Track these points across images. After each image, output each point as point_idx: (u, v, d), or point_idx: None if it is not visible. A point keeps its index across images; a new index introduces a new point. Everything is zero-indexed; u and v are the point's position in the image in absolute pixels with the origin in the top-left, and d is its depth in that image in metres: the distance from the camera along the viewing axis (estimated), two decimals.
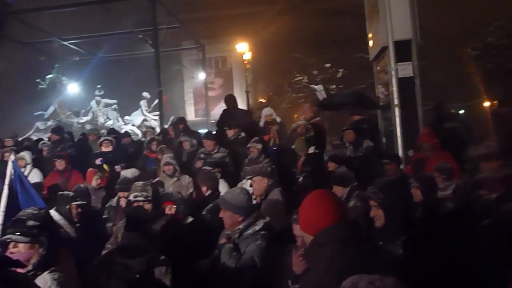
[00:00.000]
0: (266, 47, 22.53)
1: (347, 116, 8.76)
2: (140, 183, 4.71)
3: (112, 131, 11.88)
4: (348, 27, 18.85)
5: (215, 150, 7.18)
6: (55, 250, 2.87)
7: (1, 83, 18.87)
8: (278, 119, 9.69)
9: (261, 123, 9.05)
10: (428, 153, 6.35)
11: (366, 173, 5.40)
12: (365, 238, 2.25)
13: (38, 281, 2.58)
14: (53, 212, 4.36)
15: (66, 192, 4.89)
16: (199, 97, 27.28)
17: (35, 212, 2.90)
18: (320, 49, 21.19)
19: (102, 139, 8.21)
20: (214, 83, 27.95)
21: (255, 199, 4.58)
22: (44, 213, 2.99)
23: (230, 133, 7.74)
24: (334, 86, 19.65)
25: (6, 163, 8.09)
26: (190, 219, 4.78)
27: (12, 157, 4.36)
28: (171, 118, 19.39)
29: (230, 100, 9.04)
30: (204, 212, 4.47)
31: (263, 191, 4.62)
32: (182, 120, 10.58)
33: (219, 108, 24.15)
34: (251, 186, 4.74)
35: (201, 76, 23.51)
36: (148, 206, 4.10)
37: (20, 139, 11.32)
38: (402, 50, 8.32)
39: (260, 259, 3.36)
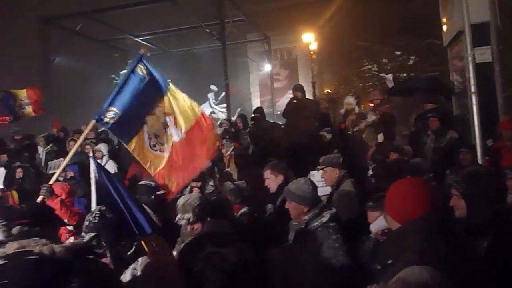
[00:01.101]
0: (332, 36, 22.11)
1: (420, 103, 8.41)
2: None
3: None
4: (419, 12, 18.05)
5: None
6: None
7: (80, 79, 20.04)
8: (357, 109, 9.44)
9: (342, 111, 8.87)
10: (509, 142, 5.96)
11: (445, 165, 5.17)
12: (452, 230, 2.16)
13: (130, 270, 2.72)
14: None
15: (148, 182, 5.02)
16: (264, 89, 27.37)
17: None
18: (389, 36, 20.42)
19: None
20: (280, 75, 27.92)
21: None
22: None
23: (302, 122, 7.71)
24: (405, 74, 18.89)
25: (86, 154, 8.70)
26: (244, 210, 4.83)
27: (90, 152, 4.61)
28: (238, 110, 19.65)
29: (298, 89, 9.00)
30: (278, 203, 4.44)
31: (335, 182, 4.58)
32: (258, 109, 10.63)
33: (285, 99, 24.12)
34: (322, 176, 4.71)
35: (267, 67, 23.59)
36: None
37: (99, 130, 12.00)
38: (480, 34, 7.82)
39: (339, 253, 3.33)
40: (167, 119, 4.66)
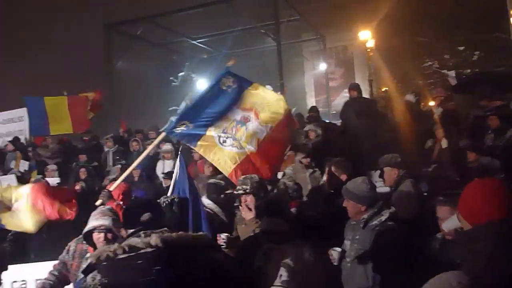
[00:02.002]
0: (390, 32, 21.54)
1: (484, 101, 8.01)
2: (242, 177, 4.77)
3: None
4: (483, 5, 17.25)
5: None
6: None
7: (141, 81, 20.83)
8: (416, 108, 9.11)
9: (403, 109, 8.63)
10: None
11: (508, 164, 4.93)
12: None
13: None
14: (205, 199, 4.69)
15: (217, 181, 5.12)
16: (319, 88, 27.13)
17: None
18: (451, 30, 19.62)
19: None
20: (335, 73, 27.55)
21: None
22: None
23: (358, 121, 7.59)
24: (469, 71, 18.08)
25: (149, 154, 9.00)
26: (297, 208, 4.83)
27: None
28: (293, 110, 19.60)
29: (354, 88, 8.86)
30: None
31: (393, 182, 4.50)
32: (313, 108, 10.61)
33: (340, 99, 23.81)
34: (381, 176, 4.64)
35: (322, 66, 23.39)
36: (249, 198, 4.17)
37: (159, 131, 12.43)
38: None
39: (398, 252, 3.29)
40: (246, 114, 4.66)
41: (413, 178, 4.50)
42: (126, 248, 2.23)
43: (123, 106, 17.98)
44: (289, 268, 3.09)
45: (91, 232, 3.59)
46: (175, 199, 3.51)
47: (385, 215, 3.50)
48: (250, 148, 4.43)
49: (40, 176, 6.50)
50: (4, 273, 2.96)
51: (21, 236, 4.89)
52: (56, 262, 3.80)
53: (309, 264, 3.28)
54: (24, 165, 9.93)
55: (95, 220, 3.59)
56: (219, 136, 4.45)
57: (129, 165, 8.50)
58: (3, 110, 13.12)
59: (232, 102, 4.60)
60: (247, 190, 3.96)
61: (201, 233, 2.40)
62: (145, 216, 2.41)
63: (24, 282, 3.68)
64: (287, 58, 19.78)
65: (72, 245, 3.80)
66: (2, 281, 3.37)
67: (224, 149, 4.39)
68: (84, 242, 3.69)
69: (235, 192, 4.22)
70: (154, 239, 2.23)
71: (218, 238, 4.03)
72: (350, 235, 3.67)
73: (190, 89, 22.94)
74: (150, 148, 5.14)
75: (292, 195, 5.09)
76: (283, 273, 3.07)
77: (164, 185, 7.02)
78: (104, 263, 2.22)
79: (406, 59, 21.92)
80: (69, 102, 10.24)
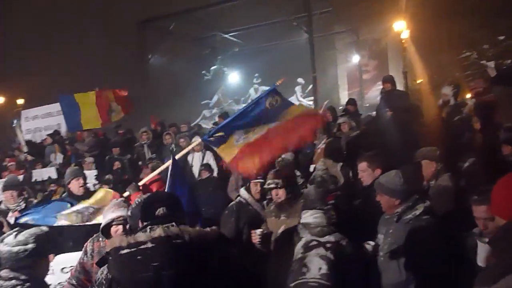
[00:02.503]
0: (426, 23, 20.95)
1: None
2: (273, 170, 4.74)
3: None
4: None
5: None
6: None
7: (174, 76, 21.07)
8: (452, 101, 8.87)
9: (440, 102, 8.43)
10: None
11: None
12: None
13: None
14: (242, 191, 4.72)
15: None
16: (352, 81, 26.76)
17: None
18: (490, 19, 18.92)
19: None
20: (368, 66, 27.08)
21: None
22: None
23: (392, 114, 7.45)
24: (509, 61, 17.40)
25: (181, 147, 9.14)
26: (333, 201, 4.77)
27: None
28: (325, 103, 19.42)
29: (388, 81, 8.69)
30: None
31: (431, 176, 4.39)
32: (350, 101, 10.48)
33: (373, 92, 23.43)
34: None
35: (355, 59, 23.06)
36: (280, 191, 4.13)
37: (192, 124, 12.59)
38: None
39: (433, 247, 3.21)
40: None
41: (451, 172, 4.38)
42: (130, 242, 2.29)
43: (156, 100, 18.25)
44: (329, 261, 3.08)
45: (109, 226, 3.54)
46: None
47: (419, 209, 3.43)
48: (255, 136, 4.43)
49: (77, 167, 6.66)
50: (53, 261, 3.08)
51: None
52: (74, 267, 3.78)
53: (349, 258, 3.26)
54: (59, 158, 10.26)
55: (112, 213, 3.55)
56: (239, 138, 4.48)
57: (160, 158, 8.72)
58: (41, 105, 13.58)
59: (269, 120, 4.55)
60: (279, 184, 3.95)
61: (213, 227, 2.42)
62: (160, 211, 2.41)
63: (72, 268, 3.79)
64: (319, 51, 19.59)
65: (88, 245, 3.73)
66: (52, 269, 3.47)
67: (235, 146, 4.42)
68: (101, 239, 3.67)
69: (266, 186, 4.23)
70: (158, 232, 2.27)
71: (253, 234, 4.03)
72: (384, 229, 3.62)
73: (222, 82, 23.14)
74: (187, 149, 5.23)
75: (330, 188, 5.04)
76: (322, 266, 3.07)
77: (202, 177, 7.07)
78: (110, 257, 2.30)
79: (442, 50, 21.30)
80: (96, 96, 10.47)
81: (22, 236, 2.64)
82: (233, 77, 23.15)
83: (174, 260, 2.22)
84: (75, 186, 5.31)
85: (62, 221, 4.48)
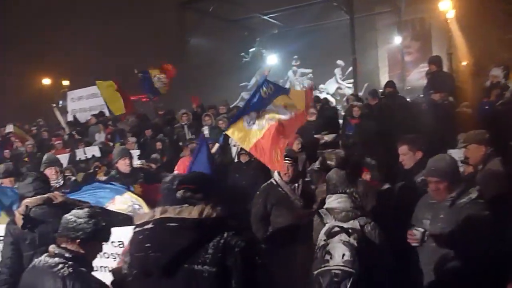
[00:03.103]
0: (471, 2, 20.05)
1: None
2: (327, 151, 4.73)
3: None
4: None
5: None
6: None
7: (213, 57, 21.15)
8: (503, 81, 8.48)
9: (487, 83, 8.10)
10: None
11: None
12: None
13: None
14: (275, 173, 4.78)
15: None
16: (393, 63, 26.02)
17: None
18: None
19: None
20: (410, 47, 26.23)
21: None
22: None
23: (436, 96, 7.22)
24: None
25: (219, 128, 9.20)
26: (386, 186, 4.70)
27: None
28: (365, 85, 19.10)
29: (434, 62, 8.41)
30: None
31: (479, 160, 4.23)
32: (389, 83, 10.23)
33: (415, 74, 22.75)
34: (465, 155, 4.37)
35: (397, 40, 22.40)
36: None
37: (230, 106, 12.61)
38: None
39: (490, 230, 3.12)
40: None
41: (501, 157, 4.21)
42: (140, 222, 2.37)
43: (195, 82, 18.40)
44: (353, 248, 3.03)
45: None
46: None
47: (473, 193, 3.32)
48: (271, 122, 4.70)
49: (124, 147, 6.83)
50: None
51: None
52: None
53: (374, 244, 3.21)
54: (103, 137, 10.54)
55: None
56: (249, 122, 4.77)
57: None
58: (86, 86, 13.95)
59: (268, 102, 4.91)
60: (332, 166, 3.93)
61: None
62: (180, 193, 2.41)
63: (121, 243, 3.91)
64: (359, 32, 19.16)
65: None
66: None
67: (250, 129, 4.70)
68: None
69: (316, 168, 4.24)
70: (158, 214, 2.30)
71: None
72: (430, 214, 3.51)
73: (260, 65, 23.03)
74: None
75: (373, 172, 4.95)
76: (346, 253, 3.02)
77: (241, 160, 7.13)
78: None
79: (490, 30, 20.36)
80: (118, 84, 10.77)
81: (83, 212, 2.68)
82: (272, 59, 22.96)
83: (163, 243, 2.23)
84: (122, 165, 5.68)
85: (111, 206, 4.66)
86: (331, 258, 3.05)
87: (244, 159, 6.97)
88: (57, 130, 12.54)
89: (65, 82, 22.72)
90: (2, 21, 21.00)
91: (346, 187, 3.59)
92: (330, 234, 3.16)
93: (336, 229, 3.17)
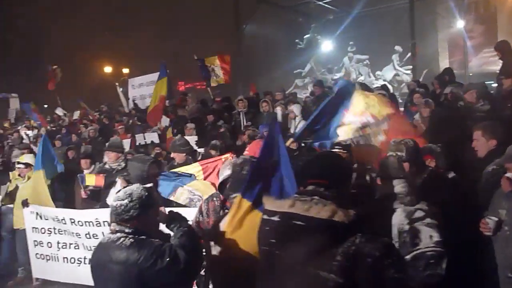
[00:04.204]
0: None
1: None
2: (394, 140, 4.63)
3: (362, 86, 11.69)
4: None
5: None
6: None
7: (268, 44, 21.17)
8: None
9: None
10: None
11: None
12: None
13: None
14: None
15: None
16: (454, 48, 24.91)
17: None
18: None
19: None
20: (473, 31, 24.97)
21: None
22: None
23: (507, 82, 6.86)
24: None
25: (275, 114, 9.21)
26: (451, 174, 4.56)
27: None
28: (424, 72, 18.47)
29: (503, 47, 7.98)
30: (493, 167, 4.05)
31: None
32: (447, 71, 9.87)
33: (478, 59, 21.68)
34: None
35: (459, 24, 21.41)
36: (405, 164, 4.02)
37: (286, 93, 12.60)
38: None
39: None
40: (363, 118, 4.83)
41: None
42: (269, 209, 2.29)
43: (251, 68, 18.50)
44: (437, 228, 2.98)
45: (224, 184, 3.68)
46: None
47: None
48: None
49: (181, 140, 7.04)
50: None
51: None
52: None
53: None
54: (165, 122, 10.83)
55: (228, 170, 3.67)
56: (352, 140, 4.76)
57: (257, 126, 8.88)
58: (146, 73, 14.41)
59: (341, 107, 4.89)
60: (403, 157, 3.84)
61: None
62: (309, 187, 2.26)
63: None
64: (419, 16, 18.48)
65: (203, 205, 3.85)
66: None
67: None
68: (215, 199, 3.78)
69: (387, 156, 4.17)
70: (286, 207, 2.16)
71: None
72: (507, 204, 3.40)
73: (315, 51, 22.78)
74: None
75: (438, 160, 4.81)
76: (433, 234, 2.97)
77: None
78: None
79: None
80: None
81: (122, 192, 2.80)
82: (327, 46, 22.62)
83: (288, 242, 2.08)
84: (177, 157, 6.12)
85: (171, 196, 4.83)
86: (420, 241, 3.00)
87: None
88: (119, 116, 13.07)
89: (125, 70, 23.56)
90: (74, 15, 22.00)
91: (404, 172, 3.53)
92: (411, 218, 3.12)
93: (420, 213, 3.12)
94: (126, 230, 2.73)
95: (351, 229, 1.96)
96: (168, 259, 2.64)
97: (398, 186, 3.42)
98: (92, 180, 6.48)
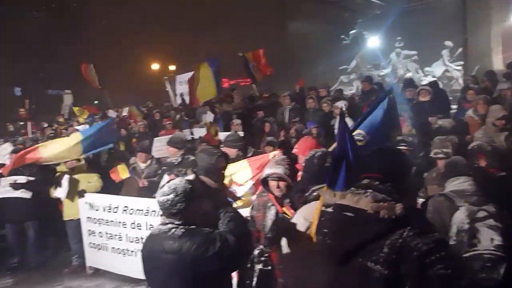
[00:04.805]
0: None
1: None
2: (439, 138, 4.51)
3: (409, 81, 11.29)
4: None
5: None
6: None
7: (312, 40, 20.99)
8: None
9: None
10: None
11: None
12: None
13: None
14: None
15: None
16: (509, 43, 23.79)
17: None
18: None
19: (419, 88, 8.27)
20: None
21: None
22: None
23: None
24: None
25: (323, 111, 9.13)
26: (502, 174, 4.40)
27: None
28: (476, 67, 17.80)
29: None
30: None
31: None
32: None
33: None
34: None
35: None
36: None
37: (331, 89, 12.48)
38: None
39: None
40: None
41: None
42: (325, 202, 2.37)
43: (294, 64, 18.42)
44: (501, 232, 2.87)
45: (267, 180, 3.87)
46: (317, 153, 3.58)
47: None
48: None
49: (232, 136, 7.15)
50: None
51: None
52: None
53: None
54: (210, 117, 10.98)
55: (269, 169, 3.88)
56: None
57: (303, 122, 8.85)
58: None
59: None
60: (449, 154, 3.79)
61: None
62: (365, 180, 2.26)
63: None
64: (471, 10, 17.79)
65: (255, 200, 4.10)
66: None
67: None
68: (264, 194, 3.95)
69: (434, 155, 4.13)
70: (338, 198, 2.24)
71: None
72: None
73: (361, 47, 22.36)
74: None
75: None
76: (495, 237, 2.87)
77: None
78: None
79: None
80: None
81: (166, 186, 2.89)
82: (373, 41, 22.13)
83: (339, 232, 2.14)
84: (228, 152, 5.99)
85: None
86: (478, 242, 2.92)
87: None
88: (167, 111, 13.36)
89: (172, 67, 24.05)
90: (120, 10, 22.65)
91: (469, 170, 3.44)
92: (474, 218, 3.03)
93: (482, 213, 3.03)
94: (176, 222, 2.83)
95: (399, 222, 1.96)
96: (219, 244, 2.72)
97: (465, 184, 3.34)
98: (125, 172, 6.86)
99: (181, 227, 2.80)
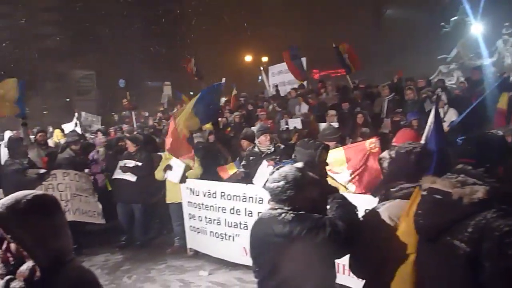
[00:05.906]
0: None
1: None
2: None
3: None
4: None
5: None
6: None
7: (410, 29, 20.08)
8: None
9: None
10: None
11: None
12: None
13: None
14: None
15: None
16: None
17: None
18: None
19: None
20: None
21: None
22: None
23: None
24: None
25: (422, 102, 8.77)
26: None
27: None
28: None
29: None
30: None
31: None
32: None
33: None
34: None
35: None
36: None
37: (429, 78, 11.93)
38: None
39: None
40: None
41: None
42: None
43: (391, 54, 17.81)
44: None
45: None
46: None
47: None
48: None
49: (328, 124, 7.10)
50: None
51: None
52: None
53: None
54: (304, 108, 11.00)
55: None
56: None
57: (404, 113, 8.56)
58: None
59: None
60: None
61: None
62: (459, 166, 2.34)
63: None
64: None
65: None
66: None
67: None
68: None
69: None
70: (429, 183, 2.33)
71: None
72: None
73: (463, 35, 20.95)
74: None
75: None
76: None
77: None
78: None
79: None
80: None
81: (277, 173, 2.93)
82: (477, 28, 20.61)
83: (429, 213, 2.30)
84: (263, 141, 6.51)
85: None
86: None
87: None
88: (261, 102, 13.60)
89: (264, 59, 24.37)
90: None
91: None
92: None
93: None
94: (286, 208, 2.87)
95: (483, 205, 2.09)
96: (329, 229, 2.74)
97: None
98: (233, 169, 7.11)
99: (290, 212, 2.84)
